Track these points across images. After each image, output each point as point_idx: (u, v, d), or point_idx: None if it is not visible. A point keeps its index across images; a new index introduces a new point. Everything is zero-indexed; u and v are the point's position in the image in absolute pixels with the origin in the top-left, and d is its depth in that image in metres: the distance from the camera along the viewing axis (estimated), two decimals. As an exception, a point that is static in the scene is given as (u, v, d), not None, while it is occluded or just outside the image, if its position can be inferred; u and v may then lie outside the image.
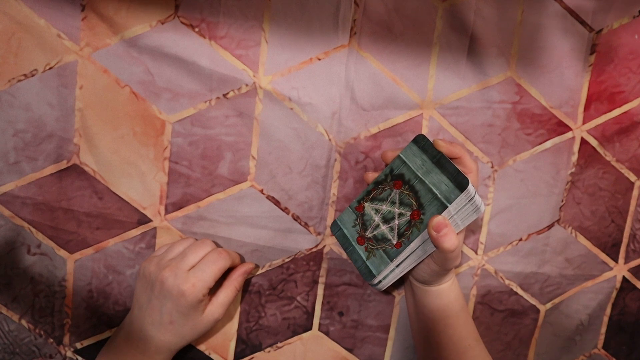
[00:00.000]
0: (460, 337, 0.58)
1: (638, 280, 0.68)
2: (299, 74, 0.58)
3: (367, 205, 0.58)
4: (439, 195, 0.52)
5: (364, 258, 0.56)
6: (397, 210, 0.55)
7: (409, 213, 0.54)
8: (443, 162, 0.53)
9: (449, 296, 0.58)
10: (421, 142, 0.55)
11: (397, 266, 0.54)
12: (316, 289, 0.64)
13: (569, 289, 0.67)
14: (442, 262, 0.53)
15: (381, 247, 0.55)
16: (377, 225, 0.56)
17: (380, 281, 0.55)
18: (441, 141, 0.54)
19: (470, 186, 0.50)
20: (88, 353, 0.62)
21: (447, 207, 0.50)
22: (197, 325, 0.55)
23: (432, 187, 0.53)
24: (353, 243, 0.57)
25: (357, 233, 0.57)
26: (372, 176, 0.58)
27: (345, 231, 0.58)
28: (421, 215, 0.52)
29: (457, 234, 0.52)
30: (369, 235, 0.56)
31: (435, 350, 0.58)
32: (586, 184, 0.65)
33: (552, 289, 0.67)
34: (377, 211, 0.56)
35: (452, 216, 0.51)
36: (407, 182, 0.55)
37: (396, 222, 0.54)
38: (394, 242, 0.54)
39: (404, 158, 0.56)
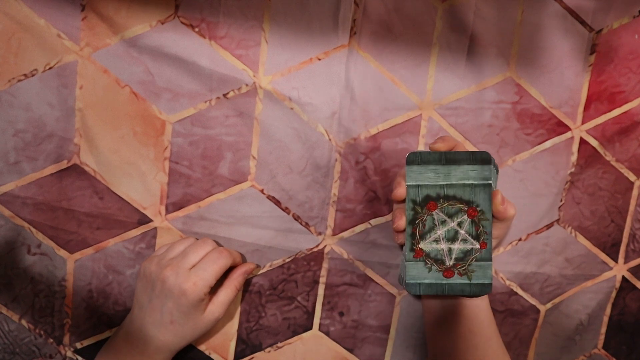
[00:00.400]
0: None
1: (638, 280, 0.68)
2: (299, 74, 0.58)
3: (423, 245, 0.54)
4: (476, 182, 0.52)
5: (468, 280, 0.54)
6: (453, 224, 0.53)
7: (465, 216, 0.53)
8: (452, 157, 0.53)
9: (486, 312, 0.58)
10: (416, 159, 0.54)
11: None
12: (317, 289, 0.64)
13: (569, 289, 0.67)
14: (502, 233, 0.55)
15: (471, 260, 0.53)
16: (450, 250, 0.54)
17: (491, 280, 0.54)
18: (437, 143, 0.54)
19: (489, 154, 0.52)
20: (88, 353, 0.62)
21: (490, 184, 0.51)
22: (198, 324, 0.55)
23: (464, 181, 0.53)
24: (445, 282, 0.54)
25: (438, 272, 0.54)
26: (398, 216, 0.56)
27: (427, 281, 0.54)
28: (477, 208, 0.52)
29: None
30: (451, 264, 0.54)
31: None
32: (586, 183, 0.65)
33: (552, 289, 0.67)
34: (437, 241, 0.54)
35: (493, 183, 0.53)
36: (438, 198, 0.53)
37: (462, 232, 0.53)
38: (478, 246, 0.53)
39: (414, 183, 0.54)
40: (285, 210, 0.61)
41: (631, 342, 0.70)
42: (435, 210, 0.54)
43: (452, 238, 0.53)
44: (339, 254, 0.63)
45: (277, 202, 0.61)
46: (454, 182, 0.53)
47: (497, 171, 0.54)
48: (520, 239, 0.65)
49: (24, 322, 0.61)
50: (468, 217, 0.53)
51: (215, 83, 0.58)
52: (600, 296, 0.68)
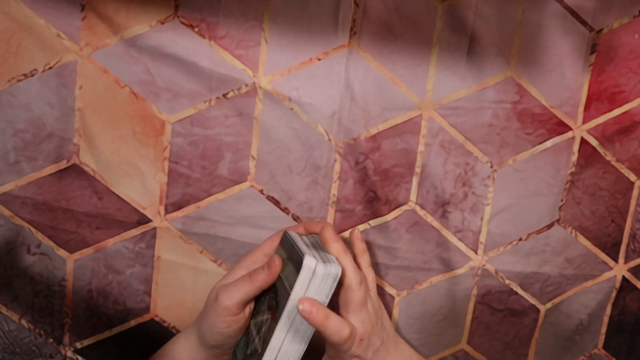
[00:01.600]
0: None
1: (638, 280, 0.68)
2: (299, 74, 0.58)
3: (251, 322, 0.52)
4: (287, 287, 0.47)
5: None
6: (264, 317, 0.50)
7: (270, 316, 0.48)
8: (292, 251, 0.48)
9: None
10: (282, 241, 0.52)
11: None
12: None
13: (569, 288, 0.67)
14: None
15: None
16: (253, 340, 0.50)
17: None
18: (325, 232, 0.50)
19: (307, 260, 0.45)
20: (88, 353, 0.62)
21: (289, 293, 0.46)
22: (208, 307, 0.52)
23: (285, 281, 0.48)
24: None
25: (243, 354, 0.51)
26: None
27: (238, 357, 0.52)
28: (276, 313, 0.47)
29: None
30: (248, 353, 0.50)
31: None
32: (586, 183, 0.65)
33: (552, 288, 0.67)
34: (255, 325, 0.51)
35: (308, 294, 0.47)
36: (274, 284, 0.50)
37: (263, 329, 0.49)
38: (259, 351, 0.48)
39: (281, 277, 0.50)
40: (285, 210, 0.61)
41: (631, 342, 0.70)
42: (267, 296, 0.51)
43: (259, 330, 0.50)
44: (338, 254, 0.63)
45: (277, 203, 0.61)
46: (282, 278, 0.49)
47: (336, 277, 0.46)
48: (520, 239, 0.65)
49: (23, 322, 0.61)
50: (271, 318, 0.49)
51: (215, 83, 0.58)
52: (601, 296, 0.68)
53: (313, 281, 0.46)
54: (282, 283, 0.49)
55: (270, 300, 0.50)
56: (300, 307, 0.45)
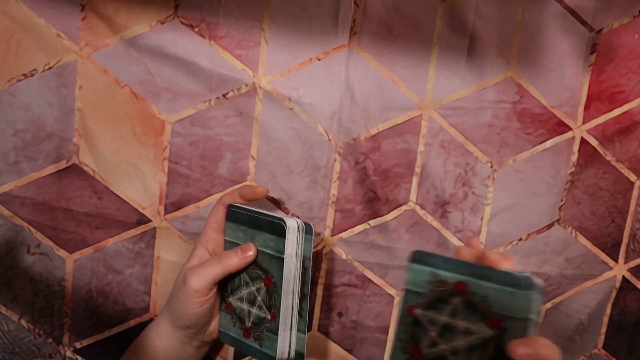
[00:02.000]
0: None
1: (638, 280, 0.68)
2: (299, 74, 0.58)
3: (232, 300, 0.56)
4: (272, 253, 0.51)
5: (259, 347, 0.54)
6: (253, 288, 0.54)
7: (262, 284, 0.53)
8: (257, 222, 0.52)
9: None
10: (232, 216, 0.54)
11: (290, 331, 0.53)
12: (315, 289, 0.63)
13: (569, 288, 0.67)
14: None
15: (264, 328, 0.53)
16: (249, 312, 0.54)
17: (289, 355, 0.53)
18: (462, 251, 0.45)
19: (284, 226, 0.50)
20: (87, 353, 0.62)
21: (282, 258, 0.50)
22: (177, 294, 0.54)
23: (265, 250, 0.52)
24: (243, 340, 0.55)
25: (240, 329, 0.55)
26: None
27: (232, 334, 0.56)
28: (272, 279, 0.52)
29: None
30: (249, 325, 0.54)
31: None
32: (586, 183, 0.65)
33: (552, 288, 0.67)
34: (241, 300, 0.55)
35: (296, 256, 0.51)
36: None
37: (259, 298, 0.53)
38: (269, 317, 0.52)
39: (229, 239, 0.55)
40: (285, 210, 0.61)
41: (631, 342, 0.70)
42: (242, 271, 0.54)
43: (252, 301, 0.54)
44: (337, 255, 0.63)
45: (277, 202, 0.61)
46: (258, 247, 0.53)
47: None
48: (520, 239, 0.65)
49: (23, 322, 0.61)
50: (264, 285, 0.53)
51: (215, 83, 0.58)
52: (601, 296, 0.68)
53: (298, 238, 0.51)
54: (260, 252, 0.53)
55: (251, 272, 0.54)
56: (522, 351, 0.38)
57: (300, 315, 0.53)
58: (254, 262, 0.53)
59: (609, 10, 0.60)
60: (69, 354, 0.62)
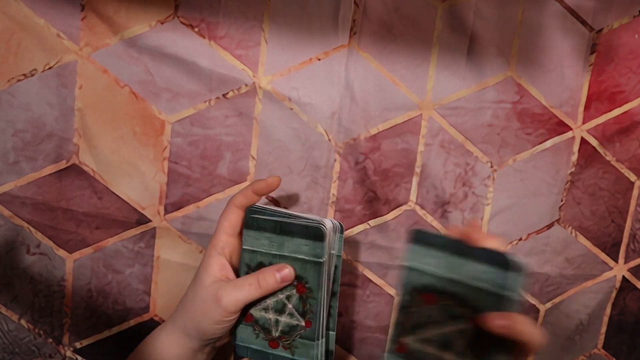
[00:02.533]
0: None
1: (638, 280, 0.68)
2: (299, 74, 0.58)
3: (252, 311, 0.53)
4: (307, 258, 0.50)
5: (290, 356, 0.52)
6: (282, 297, 0.51)
7: (294, 291, 0.51)
8: (286, 228, 0.50)
9: None
10: (253, 224, 0.52)
11: (323, 337, 0.52)
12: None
13: (569, 288, 0.67)
14: None
15: (296, 336, 0.51)
16: (277, 321, 0.52)
17: (324, 357, 0.53)
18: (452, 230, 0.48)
19: (324, 229, 0.48)
20: (87, 353, 0.62)
21: (322, 262, 0.49)
22: (206, 309, 0.52)
23: (297, 255, 0.50)
24: (269, 351, 0.53)
25: (264, 340, 0.53)
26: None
27: (254, 347, 0.54)
28: (306, 285, 0.50)
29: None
30: (277, 335, 0.52)
31: None
32: (586, 183, 0.65)
33: (552, 288, 0.67)
34: (265, 310, 0.52)
35: (331, 256, 0.51)
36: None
37: (289, 306, 0.51)
38: (303, 323, 0.51)
39: (249, 248, 0.52)
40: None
41: (631, 342, 0.70)
42: None
43: (280, 310, 0.52)
44: (338, 254, 0.63)
45: (276, 202, 0.61)
46: (286, 254, 0.50)
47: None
48: (520, 239, 0.65)
49: (23, 322, 0.61)
50: (297, 292, 0.51)
51: (215, 83, 0.58)
52: (600, 296, 0.68)
53: (332, 241, 0.50)
54: (290, 258, 0.51)
55: None
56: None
57: (330, 314, 0.52)
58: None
59: (609, 10, 0.60)
60: (69, 353, 0.62)
